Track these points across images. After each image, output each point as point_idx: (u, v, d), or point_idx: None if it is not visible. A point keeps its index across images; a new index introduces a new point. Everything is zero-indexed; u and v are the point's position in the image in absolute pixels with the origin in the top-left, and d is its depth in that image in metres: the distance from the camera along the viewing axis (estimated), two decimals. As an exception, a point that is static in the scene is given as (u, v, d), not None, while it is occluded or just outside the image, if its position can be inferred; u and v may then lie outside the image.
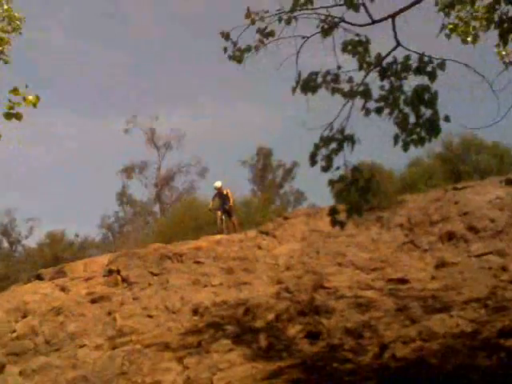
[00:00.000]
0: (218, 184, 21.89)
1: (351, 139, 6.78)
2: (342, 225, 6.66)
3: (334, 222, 6.68)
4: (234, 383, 9.66)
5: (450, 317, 10.62)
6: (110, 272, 16.72)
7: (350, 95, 7.09)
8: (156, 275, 16.20)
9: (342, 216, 6.61)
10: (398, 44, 7.18)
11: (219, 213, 21.48)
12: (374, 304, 11.99)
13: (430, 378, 8.28)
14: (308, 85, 7.33)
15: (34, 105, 7.36)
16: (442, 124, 6.68)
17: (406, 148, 6.83)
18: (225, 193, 21.67)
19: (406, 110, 6.87)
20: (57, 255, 29.44)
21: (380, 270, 14.46)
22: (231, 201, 21.75)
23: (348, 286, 13.37)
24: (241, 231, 20.94)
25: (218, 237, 19.35)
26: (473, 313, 10.71)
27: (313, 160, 6.77)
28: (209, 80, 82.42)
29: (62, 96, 71.56)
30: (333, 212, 6.63)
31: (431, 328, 10.25)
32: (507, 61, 8.03)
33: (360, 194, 6.70)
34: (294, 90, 7.36)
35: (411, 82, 6.87)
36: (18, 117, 7.38)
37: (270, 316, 12.13)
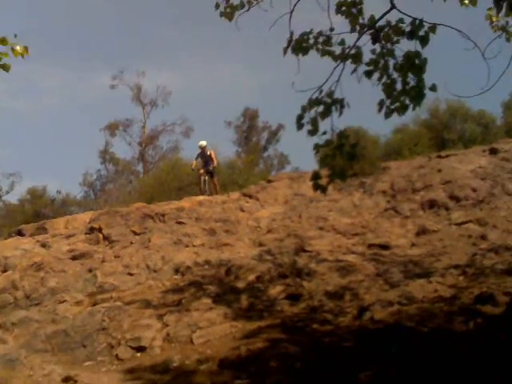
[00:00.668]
0: (203, 143, 21.69)
1: (340, 103, 6.71)
2: (324, 190, 6.61)
3: (315, 187, 6.62)
4: (213, 341, 9.74)
5: (429, 282, 10.74)
6: (92, 230, 16.68)
7: (341, 58, 7.01)
8: (138, 234, 16.19)
9: (324, 181, 6.57)
10: (393, 7, 7.08)
11: (202, 173, 21.34)
12: (355, 268, 12.10)
13: (407, 340, 8.38)
14: (299, 45, 7.24)
15: (23, 56, 7.18)
16: (429, 92, 6.65)
17: (388, 115, 6.79)
18: (208, 153, 21.49)
19: (395, 75, 6.82)
20: (38, 211, 29.27)
21: (361, 235, 14.56)
22: (215, 162, 21.57)
23: (329, 250, 13.47)
24: (222, 192, 20.95)
25: (201, 198, 19.33)
26: (451, 279, 10.84)
27: (299, 123, 6.70)
28: (197, 38, 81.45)
29: (44, 48, 70.15)
30: (315, 177, 6.56)
31: (410, 292, 10.37)
32: (497, 26, 7.96)
33: (345, 159, 6.66)
34: (285, 50, 7.27)
35: (403, 47, 6.81)
36: (6, 68, 7.19)
37: (251, 277, 12.19)
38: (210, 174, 21.45)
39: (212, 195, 20.51)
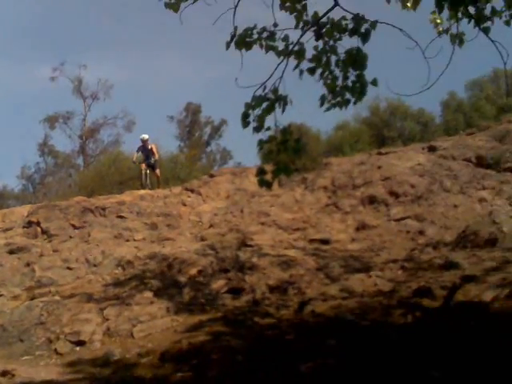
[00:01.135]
0: (145, 137, 21.44)
1: (283, 100, 6.75)
2: (269, 185, 6.63)
3: (261, 183, 6.64)
4: (154, 335, 9.69)
5: (369, 277, 10.92)
6: (30, 223, 16.39)
7: (284, 54, 7.04)
8: (77, 228, 15.98)
9: (268, 177, 6.60)
10: (336, 4, 7.15)
11: (143, 167, 21.12)
12: (296, 262, 12.20)
13: (347, 333, 8.51)
14: (243, 40, 7.23)
15: None
16: (370, 88, 6.76)
17: (328, 109, 6.87)
18: (150, 147, 21.30)
19: (337, 71, 6.90)
20: (-26, 205, 28.63)
21: (302, 230, 14.69)
22: (156, 155, 21.40)
23: (271, 245, 13.54)
24: (163, 187, 20.83)
25: (143, 192, 19.20)
26: (390, 273, 11.05)
27: (245, 121, 6.69)
28: (140, 31, 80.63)
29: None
30: (260, 172, 6.58)
31: (350, 286, 10.54)
32: (441, 29, 8.11)
33: (289, 154, 6.69)
34: (228, 44, 7.24)
35: (345, 44, 6.88)
36: None
37: (193, 271, 12.16)
38: (152, 167, 21.24)
39: (154, 189, 20.38)
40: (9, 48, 73.92)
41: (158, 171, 21.44)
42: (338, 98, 6.81)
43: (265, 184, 6.57)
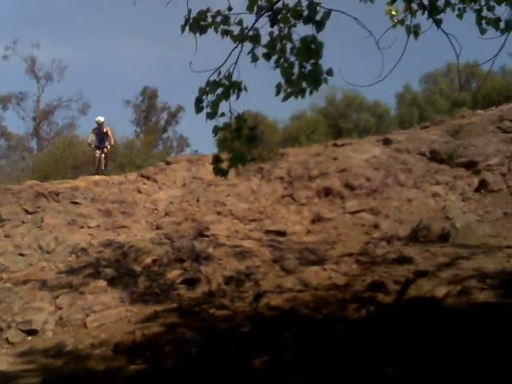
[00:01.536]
0: (101, 119, 21.00)
1: (238, 86, 6.71)
2: (225, 174, 6.60)
3: (216, 171, 6.60)
4: (107, 325, 9.60)
5: (324, 270, 11.00)
6: (-19, 207, 16.08)
7: (239, 39, 6.97)
8: (30, 213, 15.73)
9: (224, 165, 6.57)
10: (291, -12, 7.10)
11: (97, 152, 20.82)
12: (252, 254, 12.22)
13: (302, 326, 8.56)
14: (197, 24, 7.14)
15: None
16: (327, 81, 6.78)
17: (285, 98, 6.88)
18: (105, 130, 20.97)
19: (292, 59, 6.90)
20: None
21: (258, 221, 14.72)
22: (112, 140, 21.13)
23: (227, 235, 13.54)
24: (118, 173, 20.60)
25: (97, 178, 19.00)
26: (345, 267, 11.15)
27: (198, 106, 6.63)
28: (95, 11, 79.31)
29: None
30: (216, 160, 6.54)
31: (305, 279, 10.59)
32: (396, 21, 8.16)
33: (244, 142, 6.66)
34: (182, 28, 7.15)
35: (300, 31, 6.87)
36: None
37: (148, 260, 12.10)
38: (106, 147, 20.97)
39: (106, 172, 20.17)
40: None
41: (107, 152, 21.15)
42: (294, 88, 6.82)
43: (220, 172, 6.54)
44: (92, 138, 21.12)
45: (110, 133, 21.14)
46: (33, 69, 47.41)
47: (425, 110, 29.37)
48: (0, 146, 45.86)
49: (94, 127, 21.12)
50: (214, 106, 6.56)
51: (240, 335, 8.63)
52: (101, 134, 20.94)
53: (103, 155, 20.91)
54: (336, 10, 6.81)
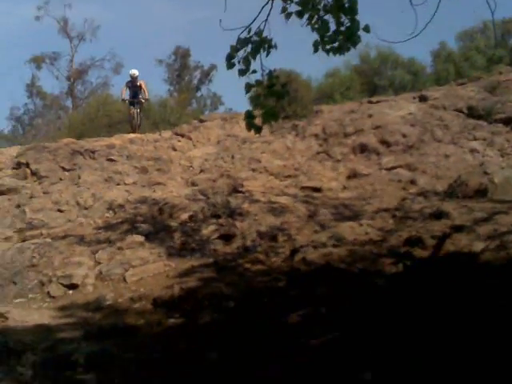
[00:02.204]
0: (135, 72, 20.53)
1: (268, 43, 6.64)
2: (258, 129, 6.58)
3: (249, 126, 6.58)
4: (146, 280, 9.74)
5: (360, 225, 10.95)
6: (19, 165, 16.28)
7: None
8: (67, 170, 15.91)
9: (257, 121, 6.54)
10: None
11: (132, 108, 20.59)
12: (287, 209, 12.21)
13: (338, 281, 8.59)
14: (226, -21, 7.06)
15: None
16: (362, 34, 6.67)
17: (327, 53, 6.80)
18: (138, 84, 20.58)
19: (326, 17, 6.78)
20: (-37, 145, 28.31)
21: (294, 177, 14.68)
22: (146, 94, 20.76)
23: (262, 192, 13.54)
24: (153, 131, 20.57)
25: (132, 135, 19.04)
26: (381, 222, 11.09)
27: (229, 62, 6.60)
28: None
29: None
30: (248, 116, 6.52)
31: (341, 234, 10.56)
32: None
33: (275, 98, 6.62)
34: None
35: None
36: None
37: (184, 216, 12.17)
38: (139, 104, 20.74)
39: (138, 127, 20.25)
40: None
41: (140, 108, 20.91)
42: (333, 44, 6.73)
43: (253, 127, 6.52)
44: (126, 92, 20.79)
45: (143, 86, 20.69)
46: (65, 29, 47.44)
47: (461, 67, 28.80)
48: (36, 105, 46.22)
49: (128, 81, 20.75)
50: (245, 62, 6.52)
51: (276, 290, 8.70)
52: (134, 88, 20.55)
53: (138, 110, 20.69)
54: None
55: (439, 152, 14.83)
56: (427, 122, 16.74)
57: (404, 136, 16.00)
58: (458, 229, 9.57)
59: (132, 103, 20.64)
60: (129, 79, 20.75)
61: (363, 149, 15.92)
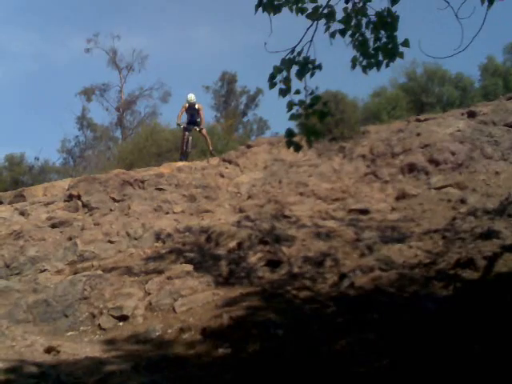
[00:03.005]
0: (192, 97, 20.70)
1: (313, 63, 6.66)
2: (297, 147, 6.54)
3: (289, 144, 6.56)
4: (195, 309, 9.75)
5: (409, 247, 10.81)
6: (71, 197, 16.57)
7: (314, 16, 6.91)
8: (117, 201, 16.12)
9: (298, 139, 6.52)
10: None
11: (186, 134, 20.63)
12: (335, 234, 12.14)
13: (387, 306, 8.47)
14: (271, 3, 7.11)
15: None
16: (406, 53, 6.67)
17: (363, 70, 6.80)
18: (196, 107, 20.74)
19: (368, 34, 6.80)
20: (16, 179, 28.96)
21: (341, 200, 14.60)
22: (202, 122, 20.90)
23: (309, 216, 13.50)
24: (201, 157, 20.68)
25: (180, 163, 19.21)
26: (431, 243, 10.92)
27: (272, 82, 6.64)
28: (168, 0, 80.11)
29: (14, 10, 68.71)
30: (288, 134, 6.51)
31: (390, 258, 10.44)
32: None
33: (317, 117, 6.58)
34: (256, 7, 7.14)
35: (374, 6, 6.77)
36: None
37: (232, 243, 12.19)
38: (197, 127, 20.79)
39: (211, 154, 20.30)
40: (43, 22, 74.47)
41: (204, 131, 20.97)
42: (370, 60, 6.74)
43: (293, 146, 6.49)
44: (182, 116, 20.87)
45: (201, 112, 20.87)
46: (114, 60, 48.57)
47: (509, 80, 28.32)
48: (86, 136, 47.15)
49: (185, 104, 20.80)
50: (286, 81, 6.55)
51: (324, 316, 8.62)
52: (192, 112, 20.64)
53: (191, 137, 20.71)
54: (411, -18, 6.67)
55: (489, 169, 14.58)
56: (476, 138, 16.50)
57: (453, 154, 15.79)
58: (510, 248, 9.35)
59: (187, 129, 20.74)
60: (185, 104, 20.82)
61: (411, 168, 15.75)
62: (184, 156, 20.48)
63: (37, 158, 33.40)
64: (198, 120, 20.75)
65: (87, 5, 77.18)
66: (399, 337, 7.45)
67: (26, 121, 72.25)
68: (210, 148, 20.68)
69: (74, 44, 76.28)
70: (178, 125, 21.24)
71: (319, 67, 6.69)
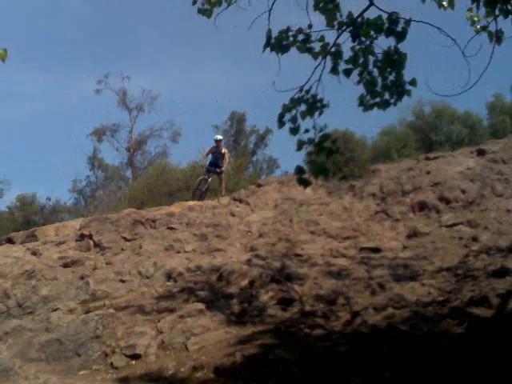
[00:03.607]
0: (219, 136, 20.91)
1: (321, 102, 6.74)
2: (307, 184, 6.58)
3: (299, 182, 6.61)
4: (208, 347, 9.73)
5: (422, 285, 10.81)
6: (82, 236, 16.62)
7: (321, 55, 7.01)
8: (129, 240, 16.16)
9: (308, 176, 6.56)
10: (371, 3, 7.11)
11: (206, 176, 20.61)
12: (346, 272, 12.15)
13: (401, 344, 8.43)
14: (279, 43, 7.23)
15: (3, 59, 6.92)
16: (414, 90, 6.75)
17: (367, 109, 6.87)
18: (222, 151, 20.85)
19: (375, 72, 6.89)
20: (28, 219, 29.10)
21: (352, 238, 14.62)
22: (225, 165, 20.92)
23: (321, 254, 13.52)
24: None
25: (191, 203, 19.27)
26: (443, 281, 10.91)
27: (281, 121, 6.72)
28: (178, 40, 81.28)
29: (24, 53, 69.71)
30: (298, 171, 6.56)
31: (402, 296, 10.43)
32: (478, 26, 7.96)
33: (326, 155, 6.63)
34: (264, 47, 7.25)
35: (381, 44, 6.87)
36: None
37: (243, 282, 12.20)
38: (219, 171, 20.78)
39: (221, 192, 20.43)
40: (52, 64, 75.54)
41: (224, 175, 21.02)
42: (377, 99, 6.81)
43: (303, 183, 6.53)
44: (208, 158, 21.00)
45: (226, 156, 20.97)
46: (124, 101, 49.00)
47: (517, 118, 28.46)
48: (98, 176, 47.41)
49: (210, 148, 20.97)
50: (294, 120, 6.63)
51: (338, 354, 8.57)
52: (217, 155, 20.75)
53: (210, 179, 20.68)
54: (417, 21, 6.79)
55: (500, 207, 14.62)
56: (487, 176, 16.57)
57: (463, 192, 15.85)
58: (523, 286, 9.34)
59: (209, 170, 20.82)
60: (212, 146, 20.95)
61: (422, 206, 15.80)
62: (198, 195, 20.41)
63: (48, 198, 33.65)
64: (222, 167, 20.77)
65: (97, 46, 78.15)
66: (414, 375, 7.41)
67: (38, 161, 72.68)
68: (223, 192, 20.74)
69: (84, 85, 77.15)
70: (202, 166, 21.38)
71: (326, 106, 6.76)
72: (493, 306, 9.06)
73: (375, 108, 6.96)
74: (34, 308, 12.53)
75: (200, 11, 8.15)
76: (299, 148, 6.61)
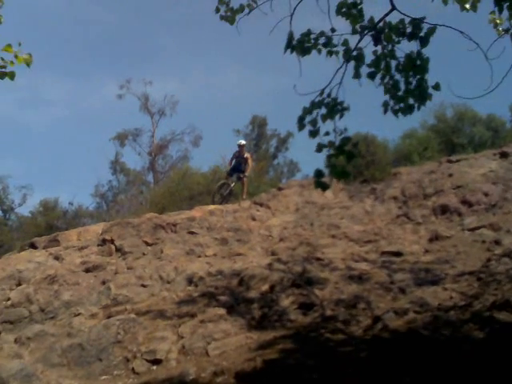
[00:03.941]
0: (242, 141, 20.99)
1: (341, 105, 6.72)
2: (325, 187, 6.54)
3: (317, 185, 6.57)
4: (228, 353, 9.73)
5: (443, 289, 10.71)
6: (104, 241, 16.72)
7: (343, 58, 7.00)
8: (150, 245, 16.22)
9: (328, 180, 6.52)
10: (394, 8, 7.08)
11: (228, 180, 20.70)
12: (368, 276, 12.09)
13: (422, 348, 8.36)
14: (301, 46, 7.22)
15: (28, 64, 6.97)
16: (435, 94, 6.70)
17: (395, 114, 6.83)
18: (245, 156, 20.88)
19: (397, 76, 6.85)
20: (50, 223, 29.25)
21: (373, 242, 14.54)
22: (248, 170, 20.90)
23: (341, 258, 13.46)
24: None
25: (212, 207, 19.27)
26: (466, 285, 10.80)
27: (301, 124, 6.70)
28: (199, 45, 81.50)
29: (48, 58, 70.41)
30: (317, 174, 6.53)
31: (424, 300, 10.34)
32: (501, 29, 7.89)
33: (346, 158, 6.59)
34: (285, 48, 7.25)
35: (404, 48, 6.84)
36: (11, 76, 7.01)
37: (264, 287, 12.18)
38: (241, 179, 20.85)
39: (242, 196, 20.46)
40: (76, 69, 76.18)
41: (246, 180, 20.98)
42: (401, 104, 6.77)
43: (321, 186, 6.50)
44: (231, 163, 21.07)
45: (250, 161, 20.96)
46: (146, 105, 49.34)
47: (541, 120, 28.16)
48: (120, 181, 47.69)
49: (234, 153, 21.10)
50: (313, 123, 6.61)
51: (359, 359, 8.52)
52: (239, 159, 20.85)
53: (233, 184, 20.73)
54: (440, 25, 6.74)
55: (523, 210, 14.45)
56: (509, 179, 16.41)
57: (486, 195, 15.71)
58: (547, 290, 9.22)
59: (231, 174, 20.92)
60: (236, 151, 21.06)
61: (444, 210, 15.68)
62: (219, 199, 20.41)
63: (71, 203, 33.79)
64: (246, 172, 20.79)
65: (119, 52, 78.75)
66: (435, 380, 7.34)
67: (61, 166, 73.32)
68: (244, 196, 20.71)
69: (106, 90, 77.84)
70: (227, 173, 21.32)
71: (347, 109, 6.74)
72: (515, 310, 8.94)
73: (401, 114, 6.91)
74: (56, 313, 12.62)
75: (222, 18, 8.20)
76: (319, 151, 6.58)
